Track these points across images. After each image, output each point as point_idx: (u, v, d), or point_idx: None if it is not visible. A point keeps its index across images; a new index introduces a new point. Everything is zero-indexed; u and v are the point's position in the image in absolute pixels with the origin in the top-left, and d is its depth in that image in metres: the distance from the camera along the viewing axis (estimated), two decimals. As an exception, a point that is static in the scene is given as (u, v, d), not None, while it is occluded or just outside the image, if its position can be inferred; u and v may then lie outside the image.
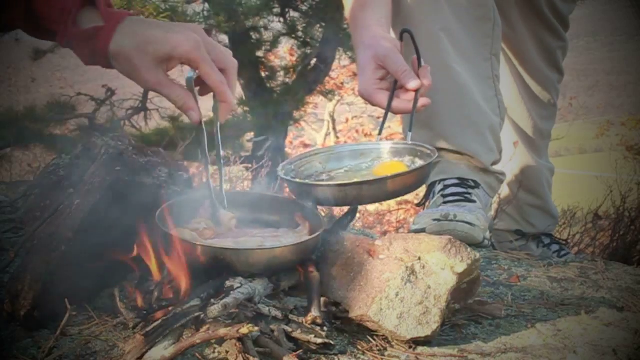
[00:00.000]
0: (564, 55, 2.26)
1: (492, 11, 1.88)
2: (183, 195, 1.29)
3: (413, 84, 1.48)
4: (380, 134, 1.60)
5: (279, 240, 1.26)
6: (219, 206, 1.26)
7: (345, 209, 1.40)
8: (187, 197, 1.29)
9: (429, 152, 1.47)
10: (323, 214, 1.36)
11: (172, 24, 1.20)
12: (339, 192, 1.32)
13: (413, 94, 1.50)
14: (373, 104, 1.56)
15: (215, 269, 1.14)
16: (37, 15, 1.17)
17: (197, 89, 1.18)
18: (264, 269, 1.17)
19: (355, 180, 1.37)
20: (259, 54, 6.47)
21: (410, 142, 1.52)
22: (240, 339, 1.03)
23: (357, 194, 1.32)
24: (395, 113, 1.55)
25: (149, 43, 1.13)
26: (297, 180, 1.42)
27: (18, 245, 1.33)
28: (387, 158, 1.54)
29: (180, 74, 1.21)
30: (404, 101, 1.51)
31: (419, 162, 1.48)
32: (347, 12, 1.73)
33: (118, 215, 1.16)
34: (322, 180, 1.48)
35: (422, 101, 1.51)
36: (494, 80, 1.93)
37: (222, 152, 1.24)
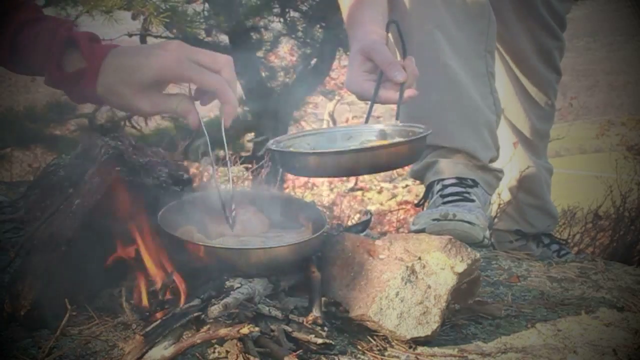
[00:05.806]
0: (562, 55, 2.26)
1: (487, 8, 1.88)
2: (185, 195, 1.29)
3: (399, 76, 1.46)
4: (366, 122, 1.56)
5: (281, 240, 1.26)
6: (235, 208, 1.22)
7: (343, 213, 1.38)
8: (188, 197, 1.29)
9: (421, 130, 1.43)
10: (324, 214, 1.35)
11: (153, 46, 1.17)
12: (332, 161, 1.29)
13: (399, 84, 1.47)
14: (360, 97, 1.54)
15: (217, 269, 1.14)
16: (23, 57, 1.15)
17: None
18: (265, 269, 1.17)
19: (351, 148, 1.33)
20: (259, 54, 6.46)
21: (400, 124, 1.49)
22: (241, 339, 1.03)
23: (353, 163, 1.28)
24: (382, 103, 1.53)
25: (133, 73, 1.10)
26: (291, 149, 1.37)
27: (18, 245, 1.32)
28: (376, 140, 1.50)
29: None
30: (390, 91, 1.49)
31: None
32: (343, 13, 1.73)
33: (118, 216, 1.16)
34: (315, 149, 1.43)
35: (408, 92, 1.48)
36: (489, 77, 1.93)
37: (228, 153, 1.22)
